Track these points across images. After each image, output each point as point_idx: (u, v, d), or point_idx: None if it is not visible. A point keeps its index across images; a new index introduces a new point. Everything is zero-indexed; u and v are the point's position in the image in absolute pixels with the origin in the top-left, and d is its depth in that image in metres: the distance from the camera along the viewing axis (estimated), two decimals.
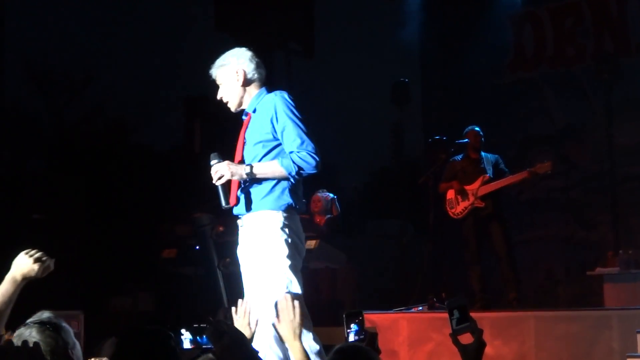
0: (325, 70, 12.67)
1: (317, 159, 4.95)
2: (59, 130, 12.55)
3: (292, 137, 4.98)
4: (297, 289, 4.98)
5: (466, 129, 9.24)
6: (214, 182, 5.07)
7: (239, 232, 5.20)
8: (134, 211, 11.15)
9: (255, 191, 5.05)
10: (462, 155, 9.28)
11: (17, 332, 3.27)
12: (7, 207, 10.51)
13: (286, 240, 4.99)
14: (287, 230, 5.00)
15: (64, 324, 3.35)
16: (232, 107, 5.24)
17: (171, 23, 12.13)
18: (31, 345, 3.04)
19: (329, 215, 10.11)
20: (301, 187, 5.18)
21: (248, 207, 5.08)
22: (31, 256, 3.59)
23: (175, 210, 10.58)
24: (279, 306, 3.78)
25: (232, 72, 5.19)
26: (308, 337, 4.90)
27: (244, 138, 5.18)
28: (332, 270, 9.72)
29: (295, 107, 5.08)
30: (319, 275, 9.59)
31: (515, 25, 11.76)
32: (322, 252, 7.84)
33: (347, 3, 12.85)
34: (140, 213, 11.11)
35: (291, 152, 4.96)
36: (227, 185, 5.10)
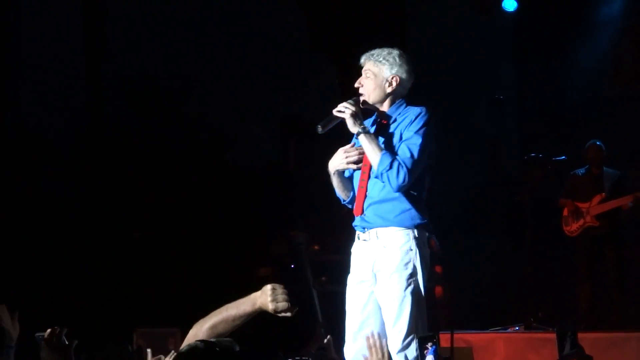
0: (418, 86, 12.56)
1: (403, 183, 4.89)
2: (156, 147, 12.76)
3: (407, 147, 4.93)
4: (425, 310, 4.95)
5: (587, 143, 9.14)
6: (335, 109, 5.05)
7: (359, 245, 5.10)
8: (229, 229, 11.24)
9: (391, 205, 4.99)
10: (584, 169, 9.16)
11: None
12: (109, 226, 10.73)
13: (421, 260, 4.95)
14: (423, 249, 4.98)
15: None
16: (369, 100, 5.13)
17: (266, 41, 12.22)
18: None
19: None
20: None
21: (380, 221, 5.00)
22: (274, 293, 3.60)
23: (271, 228, 10.62)
24: (368, 343, 3.70)
25: (387, 74, 5.11)
26: None
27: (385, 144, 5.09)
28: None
29: (434, 129, 5.02)
30: None
31: (614, 39, 11.53)
32: None
33: (439, 19, 12.77)
34: (236, 230, 11.19)
35: (396, 157, 4.92)
36: (336, 119, 5.04)
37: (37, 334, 3.34)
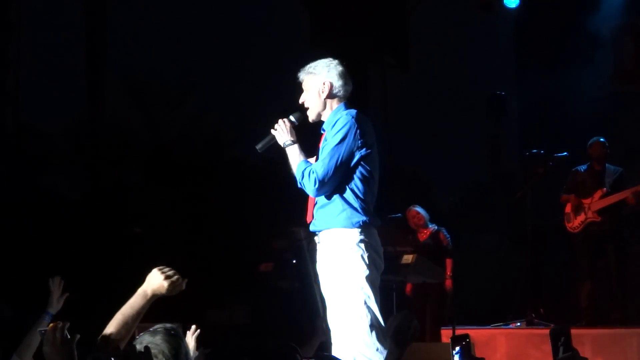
0: (420, 83, 12.63)
1: (315, 187, 5.00)
2: (157, 144, 12.77)
3: (322, 156, 5.06)
4: (374, 305, 4.99)
5: (590, 140, 9.12)
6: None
7: (317, 248, 5.26)
8: (231, 224, 11.26)
9: (330, 209, 5.09)
10: (586, 165, 9.16)
11: (140, 339, 3.35)
12: (109, 221, 10.73)
13: (362, 257, 5.01)
14: (362, 246, 5.03)
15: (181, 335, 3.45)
16: (311, 116, 5.28)
17: (268, 39, 12.25)
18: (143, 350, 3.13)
19: (434, 227, 10.00)
20: (373, 202, 5.17)
21: (324, 224, 5.13)
22: (163, 273, 3.61)
23: (272, 223, 10.64)
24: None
25: (319, 82, 5.21)
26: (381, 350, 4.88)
27: (319, 153, 5.21)
28: (430, 285, 9.63)
29: (353, 132, 5.05)
30: (416, 290, 9.53)
31: (615, 37, 11.52)
32: (420, 267, 7.78)
33: (441, 15, 12.79)
34: (237, 226, 11.21)
35: (312, 166, 5.04)
36: (273, 137, 5.20)
37: (40, 329, 3.36)
